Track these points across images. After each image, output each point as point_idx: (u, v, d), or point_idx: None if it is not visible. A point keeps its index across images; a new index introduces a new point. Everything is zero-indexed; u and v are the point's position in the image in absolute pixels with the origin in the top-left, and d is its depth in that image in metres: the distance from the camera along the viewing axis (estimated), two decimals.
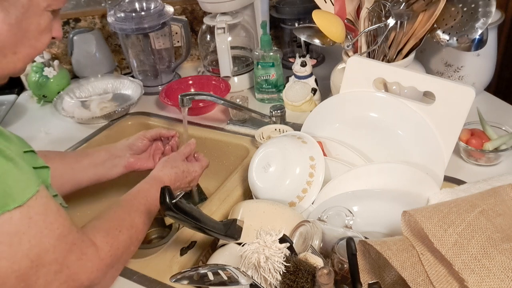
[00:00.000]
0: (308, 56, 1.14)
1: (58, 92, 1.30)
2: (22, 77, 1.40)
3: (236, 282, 0.58)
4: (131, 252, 0.71)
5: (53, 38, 0.66)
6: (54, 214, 0.58)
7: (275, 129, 1.03)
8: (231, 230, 0.71)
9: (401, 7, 0.88)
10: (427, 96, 0.96)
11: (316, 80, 1.15)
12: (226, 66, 1.22)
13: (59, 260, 0.57)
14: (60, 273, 0.57)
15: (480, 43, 0.93)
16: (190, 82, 1.30)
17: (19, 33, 0.59)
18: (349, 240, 0.60)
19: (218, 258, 0.72)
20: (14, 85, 1.42)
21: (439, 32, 0.88)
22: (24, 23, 0.59)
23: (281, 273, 0.61)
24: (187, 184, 0.89)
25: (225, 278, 0.57)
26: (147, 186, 0.79)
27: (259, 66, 1.18)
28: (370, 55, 0.96)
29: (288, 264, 0.61)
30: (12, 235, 0.52)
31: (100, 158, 0.91)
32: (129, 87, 1.32)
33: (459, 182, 0.85)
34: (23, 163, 0.55)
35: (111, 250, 0.64)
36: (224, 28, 1.19)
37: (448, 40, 0.87)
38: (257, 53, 1.17)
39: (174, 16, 1.30)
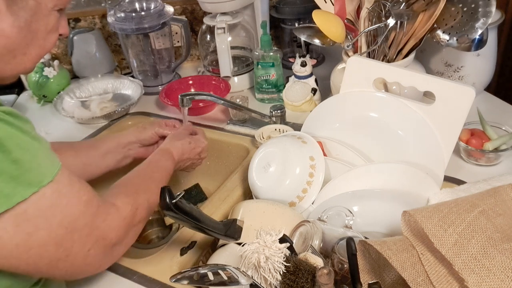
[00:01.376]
0: (308, 56, 1.14)
1: (58, 92, 1.31)
2: (22, 77, 1.40)
3: (236, 282, 0.58)
4: (149, 213, 0.74)
5: (60, 35, 0.67)
6: (78, 184, 0.62)
7: (275, 129, 1.03)
8: (231, 230, 0.71)
9: (401, 7, 0.88)
10: (427, 96, 0.96)
11: (316, 80, 1.15)
12: (226, 66, 1.22)
13: (89, 223, 0.61)
14: (91, 235, 0.61)
15: (480, 43, 0.93)
16: (190, 82, 1.30)
17: (29, 35, 0.60)
18: (349, 240, 0.60)
19: (218, 258, 0.72)
20: (14, 85, 1.42)
21: (439, 32, 0.88)
22: (33, 25, 0.60)
23: (281, 273, 0.61)
24: (198, 156, 0.93)
25: (225, 278, 0.57)
26: (157, 157, 0.84)
27: (259, 66, 1.18)
28: (370, 55, 0.96)
29: (288, 264, 0.61)
30: (46, 209, 0.56)
31: (111, 150, 0.94)
32: (129, 87, 1.32)
33: (459, 182, 0.85)
34: (44, 141, 0.59)
35: (131, 209, 0.68)
36: (224, 28, 1.19)
37: (448, 40, 0.87)
38: (257, 53, 1.17)
39: (174, 16, 1.30)
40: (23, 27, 0.59)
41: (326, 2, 0.98)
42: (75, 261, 0.60)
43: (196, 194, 1.09)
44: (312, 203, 0.80)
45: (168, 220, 1.06)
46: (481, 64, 1.06)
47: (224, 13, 1.23)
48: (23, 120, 0.57)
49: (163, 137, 1.00)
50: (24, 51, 0.61)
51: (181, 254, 0.77)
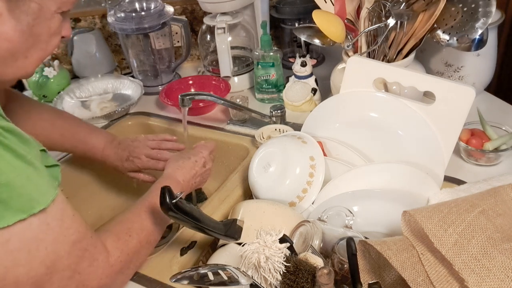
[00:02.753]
0: (308, 56, 1.14)
1: (58, 92, 1.30)
2: None
3: (236, 282, 0.58)
4: (142, 256, 0.70)
5: (62, 37, 0.66)
6: (70, 219, 0.58)
7: (275, 129, 1.03)
8: (231, 230, 0.71)
9: (401, 7, 0.88)
10: (427, 96, 0.96)
11: (316, 80, 1.15)
12: (226, 66, 1.22)
13: (72, 266, 0.57)
14: (72, 279, 0.57)
15: (480, 43, 0.93)
16: (190, 82, 1.30)
17: (31, 38, 0.59)
18: (349, 240, 0.60)
19: (218, 258, 0.72)
20: (14, 85, 1.39)
21: (439, 32, 0.88)
22: (35, 28, 0.59)
23: (281, 273, 0.61)
24: (204, 168, 0.87)
25: (225, 278, 0.57)
26: (159, 185, 0.79)
27: (259, 66, 1.18)
28: (370, 55, 0.96)
29: (288, 264, 0.61)
30: (31, 242, 0.52)
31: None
32: (129, 87, 1.32)
33: (459, 182, 0.85)
34: (42, 167, 0.56)
35: (121, 256, 0.64)
36: (224, 28, 1.18)
37: (448, 40, 0.87)
38: (257, 53, 1.17)
39: (174, 16, 1.30)
40: (25, 31, 0.57)
41: (326, 2, 0.98)
42: None
43: (196, 194, 1.08)
44: (312, 203, 0.80)
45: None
46: (481, 64, 1.06)
47: (224, 13, 1.22)
48: (23, 140, 0.54)
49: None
50: (26, 54, 0.60)
51: (181, 254, 0.77)
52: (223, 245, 0.73)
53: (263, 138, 1.01)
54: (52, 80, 1.31)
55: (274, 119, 1.06)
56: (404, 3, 0.88)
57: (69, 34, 0.67)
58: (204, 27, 1.30)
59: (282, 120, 1.06)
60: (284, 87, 1.17)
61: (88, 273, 0.58)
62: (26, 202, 0.52)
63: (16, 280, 0.52)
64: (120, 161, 0.96)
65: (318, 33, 0.99)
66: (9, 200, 0.50)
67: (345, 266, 0.63)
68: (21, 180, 0.51)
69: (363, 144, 0.86)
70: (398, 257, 0.57)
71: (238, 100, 1.15)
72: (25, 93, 1.41)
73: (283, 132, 1.01)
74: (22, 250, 0.52)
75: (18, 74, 0.62)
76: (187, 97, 0.97)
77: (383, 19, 0.90)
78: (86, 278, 0.58)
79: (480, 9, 0.83)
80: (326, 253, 0.68)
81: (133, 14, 1.24)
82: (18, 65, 0.60)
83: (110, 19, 1.26)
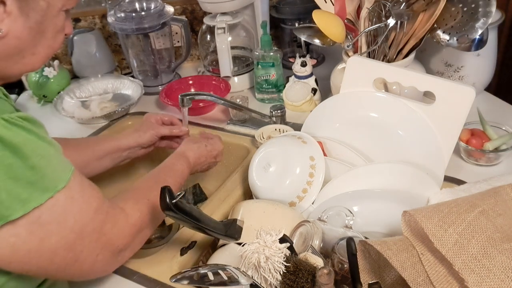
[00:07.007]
0: (308, 56, 1.14)
1: (58, 92, 1.30)
2: (22, 77, 1.40)
3: (236, 282, 0.58)
4: (158, 220, 0.74)
5: (65, 35, 0.68)
6: (89, 189, 0.62)
7: (275, 129, 1.03)
8: (231, 230, 0.71)
9: (401, 7, 0.88)
10: (427, 96, 0.96)
11: (316, 80, 1.15)
12: (226, 66, 1.22)
13: (97, 229, 0.61)
14: (99, 240, 0.62)
15: (480, 43, 0.93)
16: (190, 82, 1.30)
17: (38, 35, 0.61)
18: (349, 240, 0.60)
19: (218, 258, 0.72)
20: (14, 85, 1.42)
21: (439, 32, 0.88)
22: (43, 25, 0.61)
23: (281, 273, 0.61)
24: (214, 159, 0.93)
25: (225, 278, 0.57)
26: (172, 160, 0.84)
27: (259, 66, 1.18)
28: (370, 55, 0.96)
29: (288, 264, 0.61)
30: (60, 215, 0.57)
31: (110, 153, 0.94)
32: (129, 87, 1.32)
33: (459, 182, 0.85)
34: (58, 145, 0.59)
35: (140, 216, 0.69)
36: (224, 28, 1.19)
37: (448, 40, 0.87)
38: (257, 53, 1.17)
39: (174, 16, 1.30)
40: (33, 28, 0.59)
41: (326, 2, 0.98)
42: (83, 266, 0.61)
43: (196, 194, 1.08)
44: (312, 203, 0.80)
45: (168, 220, 1.06)
46: (481, 64, 1.06)
47: (224, 13, 1.23)
48: (38, 125, 0.58)
49: (162, 138, 1.01)
50: (33, 51, 0.62)
51: (181, 254, 0.77)
52: (223, 245, 0.73)
53: (263, 138, 1.01)
54: (52, 80, 1.31)
55: (274, 119, 1.06)
56: (404, 3, 0.88)
57: (71, 32, 0.69)
58: (204, 27, 1.30)
59: (282, 120, 1.06)
60: (284, 87, 1.17)
61: (112, 233, 0.63)
62: (51, 182, 0.56)
63: (51, 248, 0.57)
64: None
65: (318, 33, 0.99)
66: (36, 181, 0.54)
67: (345, 266, 0.63)
68: (45, 161, 0.55)
69: (363, 144, 0.86)
70: (398, 257, 0.57)
71: (238, 100, 1.15)
72: (25, 93, 1.42)
73: (283, 132, 1.01)
74: (53, 222, 0.57)
75: (24, 70, 0.64)
76: (187, 97, 0.97)
77: (383, 19, 0.90)
78: (111, 237, 0.64)
79: (480, 9, 0.83)
80: (326, 253, 0.68)
81: (133, 14, 1.24)
82: (25, 61, 0.62)
83: (110, 19, 1.26)
